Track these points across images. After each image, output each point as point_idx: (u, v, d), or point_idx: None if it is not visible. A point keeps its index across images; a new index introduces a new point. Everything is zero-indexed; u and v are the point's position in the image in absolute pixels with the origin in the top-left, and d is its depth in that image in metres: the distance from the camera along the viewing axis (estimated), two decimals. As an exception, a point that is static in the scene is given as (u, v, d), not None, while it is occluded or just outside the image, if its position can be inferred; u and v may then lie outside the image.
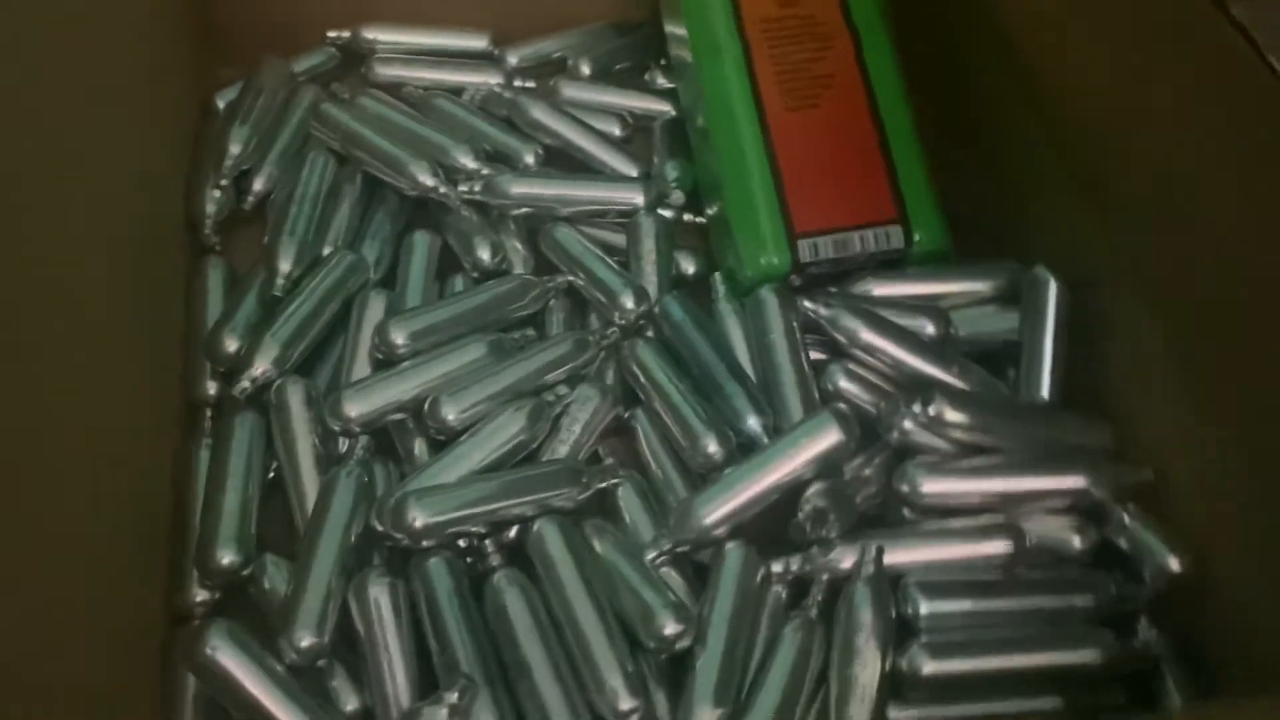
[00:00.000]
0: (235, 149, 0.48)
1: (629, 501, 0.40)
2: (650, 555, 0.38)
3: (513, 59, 0.55)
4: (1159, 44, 0.38)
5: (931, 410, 0.38)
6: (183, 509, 0.40)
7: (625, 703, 0.34)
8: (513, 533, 0.39)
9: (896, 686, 0.35)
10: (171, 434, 0.42)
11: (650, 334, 0.44)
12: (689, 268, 0.48)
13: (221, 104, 0.52)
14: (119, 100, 0.43)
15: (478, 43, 0.56)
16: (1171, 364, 0.39)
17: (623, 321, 0.44)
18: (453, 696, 0.32)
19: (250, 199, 0.48)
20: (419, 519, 0.36)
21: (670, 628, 0.35)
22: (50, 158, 0.36)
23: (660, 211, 0.48)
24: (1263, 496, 0.35)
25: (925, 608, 0.35)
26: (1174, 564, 0.37)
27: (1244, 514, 0.36)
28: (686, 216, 0.49)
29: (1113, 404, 0.41)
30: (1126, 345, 0.41)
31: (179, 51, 0.52)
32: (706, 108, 0.47)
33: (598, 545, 0.38)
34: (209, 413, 0.42)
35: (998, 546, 0.37)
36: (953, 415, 0.38)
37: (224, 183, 0.48)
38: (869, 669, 0.34)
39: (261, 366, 0.41)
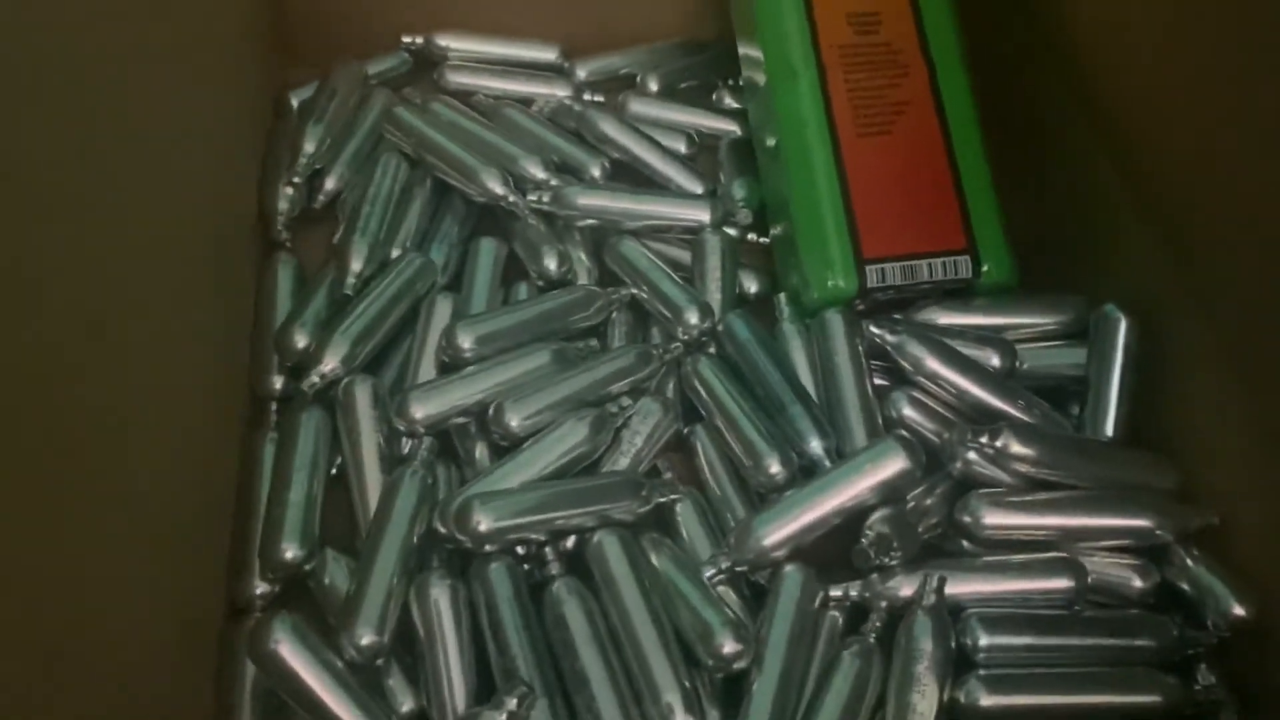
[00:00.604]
0: (309, 147, 0.48)
1: (687, 518, 0.40)
2: (709, 573, 0.38)
3: (582, 72, 0.56)
4: (1231, 84, 0.38)
5: (999, 443, 0.38)
6: (246, 501, 0.40)
7: (682, 718, 0.34)
8: (571, 542, 0.39)
9: (953, 718, 0.35)
10: (238, 427, 0.43)
11: (713, 351, 0.45)
12: (752, 287, 0.48)
13: (296, 103, 0.53)
14: (195, 97, 0.44)
15: (548, 55, 0.56)
16: (1241, 405, 0.39)
17: (686, 337, 0.44)
18: (511, 702, 0.32)
19: (322, 198, 0.49)
20: (483, 523, 0.36)
21: (729, 646, 0.35)
22: (128, 153, 0.37)
23: (725, 229, 0.48)
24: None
25: (985, 640, 0.35)
26: (1238, 609, 0.36)
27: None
28: (750, 236, 0.50)
29: (1179, 445, 0.41)
30: (1195, 385, 0.41)
31: (254, 51, 0.53)
32: (779, 128, 0.47)
33: (656, 559, 0.38)
34: (275, 407, 0.43)
35: (1058, 583, 0.37)
36: (1018, 449, 0.38)
37: (297, 180, 0.48)
38: (927, 698, 0.34)
39: (330, 363, 0.41)
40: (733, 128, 0.54)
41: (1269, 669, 0.36)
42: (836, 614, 0.38)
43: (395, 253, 0.46)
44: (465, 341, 0.42)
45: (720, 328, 0.45)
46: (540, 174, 0.48)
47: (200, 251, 0.43)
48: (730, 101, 0.55)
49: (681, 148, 0.53)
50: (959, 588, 0.36)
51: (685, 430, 0.43)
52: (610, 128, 0.52)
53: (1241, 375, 0.38)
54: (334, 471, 0.41)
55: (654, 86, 0.55)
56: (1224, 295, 0.39)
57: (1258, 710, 0.36)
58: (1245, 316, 0.38)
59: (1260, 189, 0.37)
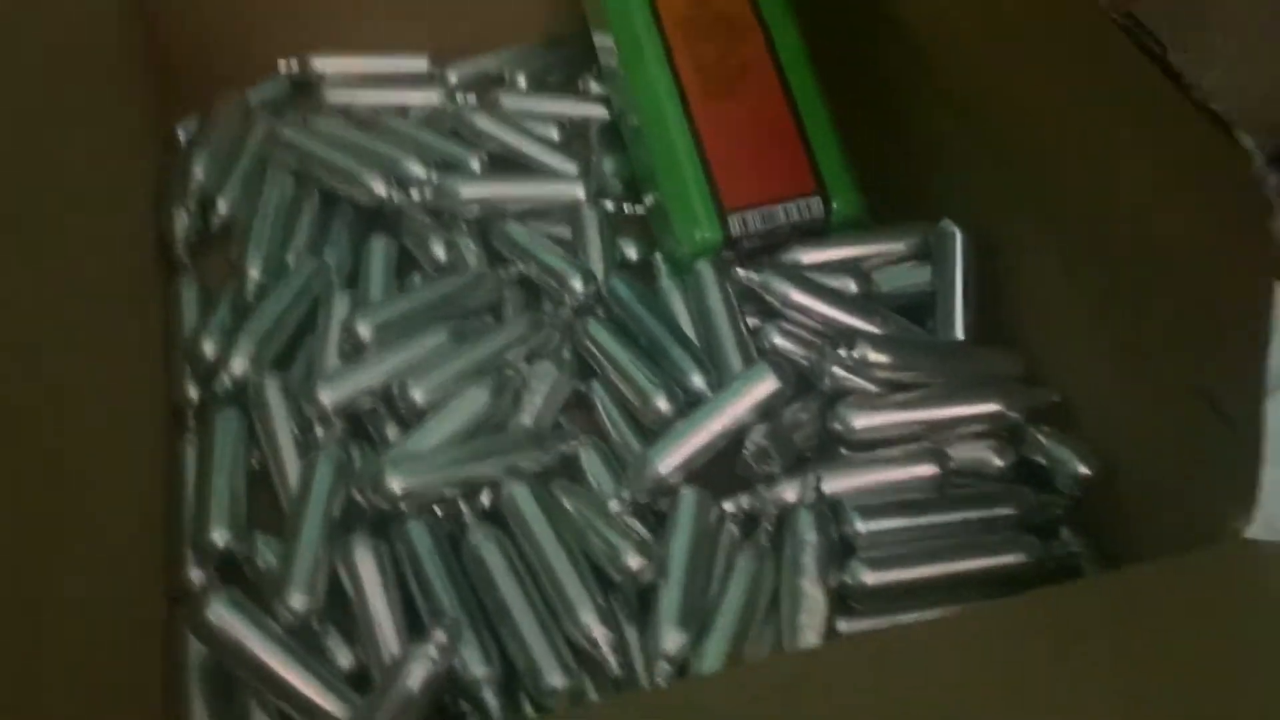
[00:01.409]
0: (199, 174, 0.51)
1: (592, 465, 0.44)
2: (613, 506, 0.41)
3: (453, 77, 0.59)
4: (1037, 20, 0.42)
5: (856, 353, 0.42)
6: (174, 501, 0.42)
7: (598, 631, 0.37)
8: (486, 500, 0.42)
9: (842, 600, 0.39)
10: (160, 437, 0.45)
11: (600, 313, 0.48)
12: (632, 253, 0.52)
13: (182, 135, 0.55)
14: (88, 136, 0.47)
15: (419, 65, 0.59)
16: (1071, 298, 0.43)
17: (574, 303, 0.47)
18: (439, 635, 0.35)
19: (216, 221, 0.52)
20: (396, 484, 0.39)
21: (635, 561, 0.38)
22: (32, 192, 0.39)
23: (601, 203, 0.52)
24: (1155, 406, 0.39)
25: (863, 526, 0.39)
26: (1083, 469, 0.40)
27: (1140, 423, 0.40)
28: (626, 208, 0.53)
29: (1023, 338, 0.45)
30: (1032, 287, 0.45)
31: (140, 90, 0.55)
32: (636, 104, 0.51)
33: (566, 502, 0.41)
34: (192, 414, 0.45)
35: (925, 469, 0.41)
36: (875, 356, 0.42)
37: (190, 206, 0.51)
38: (815, 583, 0.37)
39: (239, 365, 0.44)
40: (600, 112, 0.57)
41: (1119, 520, 0.40)
42: (733, 527, 0.41)
43: (290, 260, 0.49)
44: (364, 329, 0.45)
45: (604, 291, 0.48)
46: (421, 171, 0.51)
47: (108, 281, 0.45)
48: (596, 88, 0.59)
49: (554, 135, 0.56)
50: (836, 485, 0.40)
51: (583, 388, 0.46)
52: (484, 123, 0.55)
53: (1071, 274, 0.43)
54: (255, 467, 0.44)
55: (522, 82, 0.59)
56: (1052, 208, 0.44)
57: (1115, 560, 0.40)
58: (1073, 224, 0.42)
59: (1075, 108, 0.41)
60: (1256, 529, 0.34)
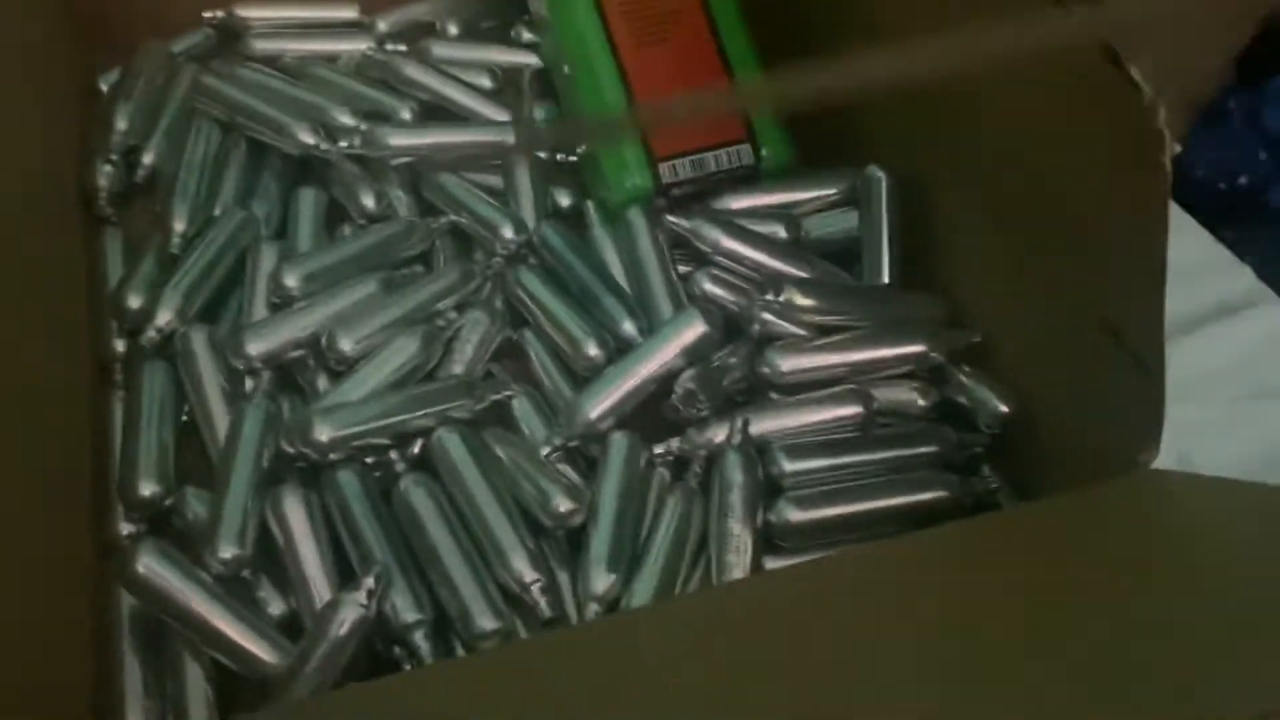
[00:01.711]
0: (121, 124, 0.50)
1: (524, 413, 0.44)
2: (544, 452, 0.41)
3: (383, 25, 0.58)
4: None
5: (783, 298, 0.42)
6: (102, 455, 0.42)
7: (529, 575, 0.37)
8: (417, 449, 0.42)
9: (770, 539, 0.39)
10: (87, 391, 0.44)
11: (532, 261, 0.48)
12: (564, 201, 0.52)
13: (104, 87, 0.54)
14: (7, 89, 0.46)
15: (348, 13, 0.58)
16: (992, 243, 0.44)
17: (505, 251, 0.47)
18: (369, 581, 0.35)
19: (141, 172, 0.51)
20: (324, 433, 0.39)
21: (564, 505, 0.39)
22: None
23: (533, 151, 0.52)
24: (1069, 345, 0.40)
25: (789, 466, 0.40)
26: (1002, 407, 0.41)
27: (1056, 362, 0.41)
28: (559, 157, 0.53)
29: (946, 284, 0.46)
30: (954, 233, 0.46)
31: (60, 39, 0.54)
32: (566, 52, 0.51)
33: (498, 450, 0.42)
34: (119, 368, 0.45)
35: (850, 410, 0.41)
36: (802, 300, 0.42)
37: (114, 158, 0.50)
38: (742, 522, 0.38)
39: (165, 317, 0.43)
40: (533, 60, 0.57)
41: (1036, 457, 0.41)
42: (663, 470, 0.42)
43: (217, 212, 0.48)
44: (292, 280, 0.44)
45: (536, 239, 0.48)
46: (350, 121, 0.50)
47: (28, 233, 0.44)
48: (529, 36, 0.58)
49: (486, 83, 0.56)
50: (763, 426, 0.41)
51: (515, 336, 0.47)
52: (415, 72, 0.54)
53: (991, 217, 0.43)
54: (184, 420, 0.43)
55: (454, 30, 0.58)
56: (971, 150, 0.44)
57: (1034, 495, 0.42)
58: (991, 166, 0.43)
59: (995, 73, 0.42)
60: (1163, 461, 0.35)
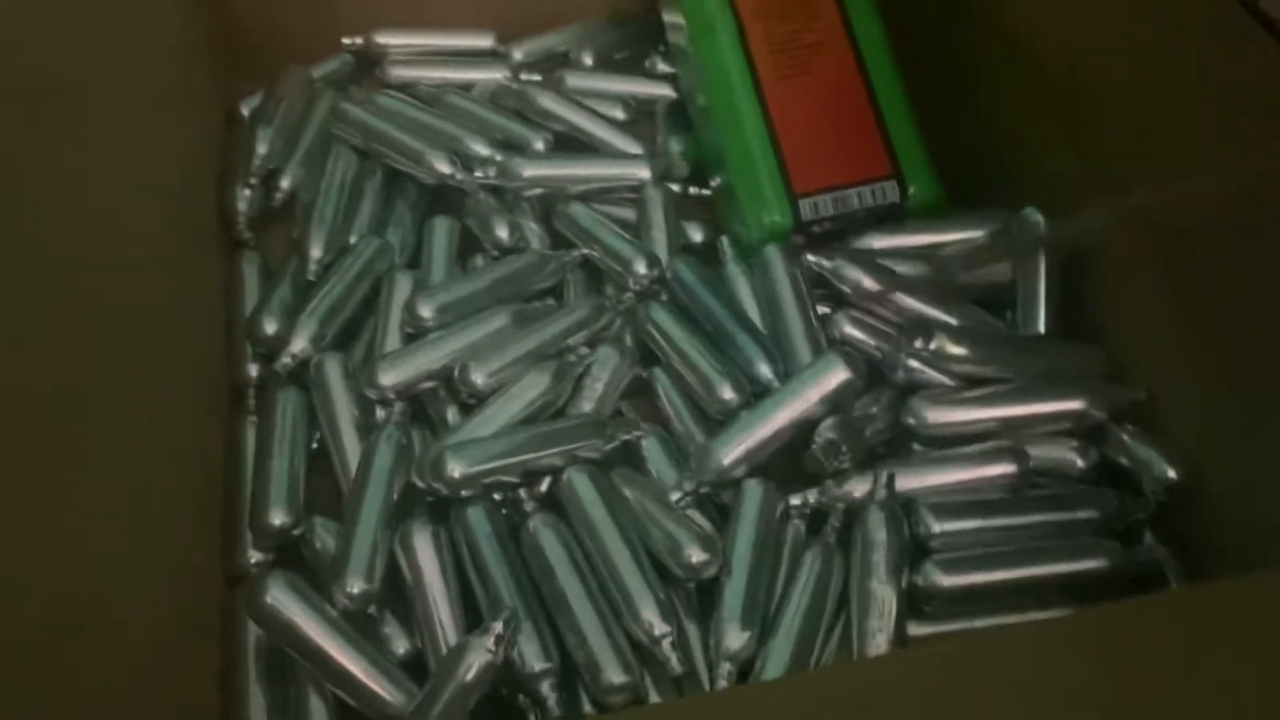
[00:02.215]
0: (262, 149, 0.51)
1: (654, 453, 0.42)
2: (674, 497, 0.40)
3: (518, 54, 0.58)
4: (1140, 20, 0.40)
5: (933, 345, 0.40)
6: (234, 481, 0.42)
7: (659, 628, 0.36)
8: (545, 487, 0.41)
9: (914, 604, 0.37)
10: (221, 416, 0.45)
11: (664, 297, 0.47)
12: (697, 236, 0.50)
13: (246, 111, 0.55)
14: (153, 114, 0.46)
15: (484, 41, 0.59)
16: (1161, 296, 0.41)
17: (637, 287, 0.46)
18: (498, 626, 0.34)
19: (279, 196, 0.51)
20: (456, 469, 0.38)
21: (697, 556, 0.37)
22: (94, 171, 0.39)
23: (666, 184, 0.51)
24: (1243, 408, 0.37)
25: (936, 526, 0.38)
26: (1170, 472, 0.38)
27: (1229, 426, 0.38)
28: (692, 190, 0.52)
29: (1107, 334, 0.43)
30: (1117, 279, 0.43)
31: (205, 65, 0.55)
32: (705, 84, 0.49)
33: (626, 491, 0.40)
34: (253, 393, 0.45)
35: (1002, 468, 0.39)
36: (953, 349, 0.40)
37: (253, 182, 0.50)
38: (886, 584, 0.36)
39: (300, 344, 0.43)
40: (667, 91, 0.56)
41: (1205, 527, 0.38)
42: (799, 522, 0.40)
43: (353, 239, 0.48)
44: (426, 310, 0.44)
45: (669, 274, 0.47)
46: (485, 151, 0.50)
47: (170, 257, 0.45)
48: (664, 67, 0.58)
49: (620, 114, 0.55)
50: (909, 482, 0.39)
51: (644, 374, 0.45)
52: (549, 102, 0.54)
53: (1160, 268, 0.40)
54: (315, 446, 0.43)
55: (588, 60, 0.58)
56: (1141, 199, 0.42)
57: (1200, 568, 0.38)
58: (1154, 214, 0.40)
59: (1158, 95, 0.39)
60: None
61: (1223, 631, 0.29)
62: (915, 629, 0.37)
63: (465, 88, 0.56)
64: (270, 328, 0.44)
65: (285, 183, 0.51)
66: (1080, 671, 0.28)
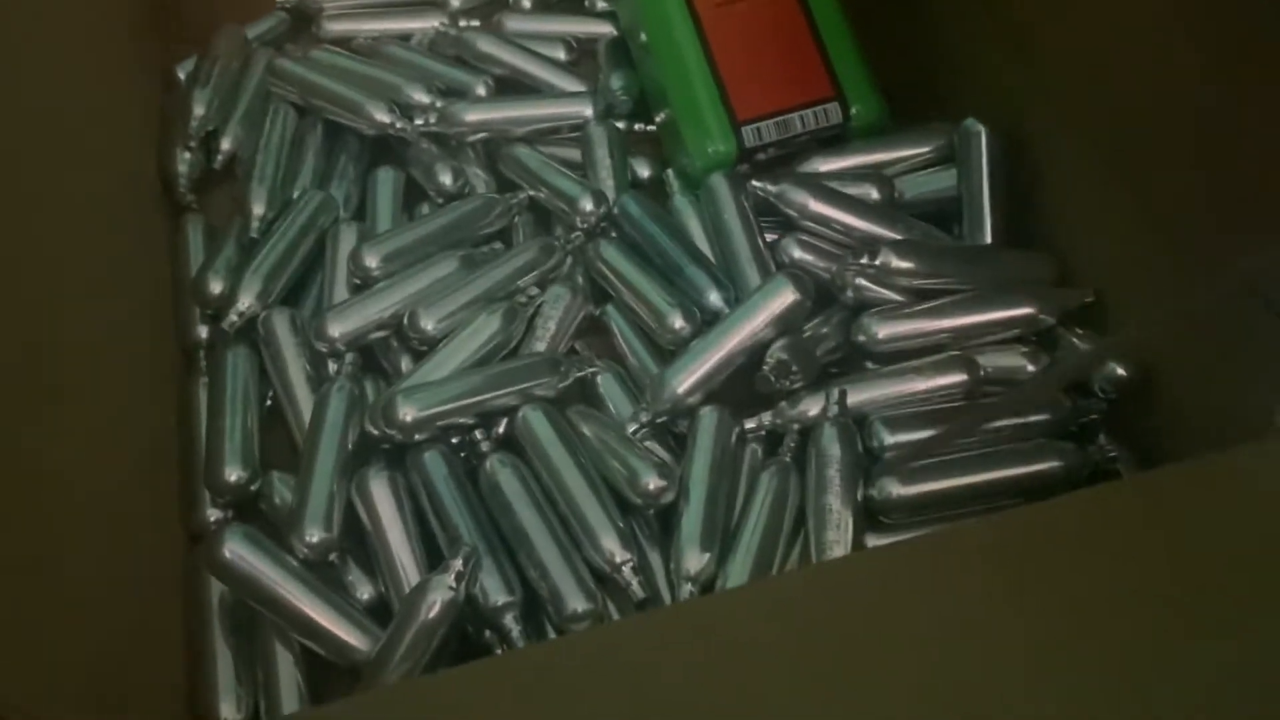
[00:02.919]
0: (199, 110, 0.50)
1: (610, 389, 0.42)
2: (631, 429, 0.40)
3: (455, 1, 0.57)
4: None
5: (879, 261, 0.40)
6: (189, 441, 0.42)
7: (620, 555, 0.36)
8: (502, 428, 0.41)
9: (872, 515, 0.37)
10: (173, 381, 0.44)
11: (613, 234, 0.47)
12: (644, 171, 0.50)
13: (182, 75, 0.54)
14: (86, 81, 0.46)
15: (419, -10, 0.58)
16: (1106, 195, 0.41)
17: (585, 225, 0.46)
18: (457, 564, 0.35)
19: (219, 157, 0.50)
20: (409, 413, 0.38)
21: (654, 483, 0.37)
22: (32, 141, 0.38)
23: (610, 121, 0.50)
24: (1195, 301, 0.37)
25: (889, 438, 0.38)
26: (1120, 370, 0.39)
27: (1182, 321, 0.38)
28: (637, 126, 0.51)
29: (1052, 239, 0.43)
30: (1062, 184, 0.43)
31: (140, 30, 0.54)
32: (643, 18, 0.49)
33: (583, 426, 0.40)
34: (203, 354, 0.44)
35: (954, 378, 0.39)
36: (899, 263, 0.40)
37: (192, 144, 0.50)
38: (842, 498, 0.36)
39: (246, 301, 0.43)
40: (608, 29, 0.55)
41: (1159, 423, 0.39)
42: (755, 446, 0.40)
43: (296, 195, 0.48)
44: (371, 260, 0.44)
45: (616, 211, 0.46)
46: (425, 98, 0.50)
47: (111, 222, 0.44)
48: (603, 4, 0.57)
49: (561, 55, 0.55)
50: (861, 397, 0.39)
51: (598, 311, 0.45)
52: (489, 46, 0.53)
53: (1106, 170, 0.40)
54: (269, 404, 0.43)
55: (526, 3, 0.57)
56: (1083, 101, 0.41)
57: (1157, 464, 0.39)
58: (1106, 116, 0.40)
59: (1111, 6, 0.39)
60: (1305, 423, 0.32)
61: (1167, 513, 0.29)
62: (873, 540, 0.37)
63: (404, 38, 0.56)
64: (216, 287, 0.44)
65: (226, 144, 0.51)
66: (1025, 560, 0.28)
